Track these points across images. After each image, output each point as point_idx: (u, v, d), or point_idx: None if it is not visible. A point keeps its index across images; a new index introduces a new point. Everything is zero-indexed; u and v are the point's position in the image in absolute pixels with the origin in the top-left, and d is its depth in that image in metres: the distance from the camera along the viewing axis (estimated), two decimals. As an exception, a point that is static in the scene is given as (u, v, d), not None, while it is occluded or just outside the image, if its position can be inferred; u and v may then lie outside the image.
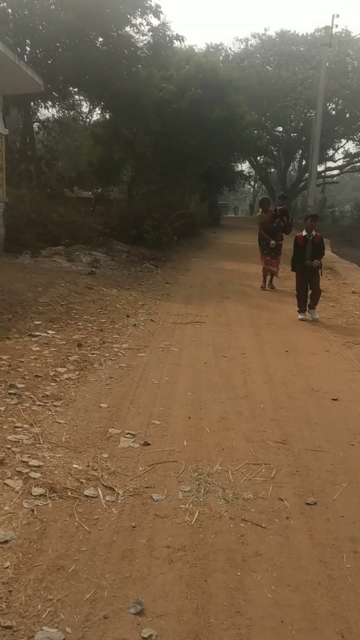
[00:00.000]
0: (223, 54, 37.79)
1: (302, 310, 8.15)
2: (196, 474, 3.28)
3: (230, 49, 39.72)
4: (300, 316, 8.04)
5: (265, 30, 57.86)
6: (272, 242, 10.56)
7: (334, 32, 23.58)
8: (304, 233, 8.07)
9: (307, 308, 8.09)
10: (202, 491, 3.08)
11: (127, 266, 12.31)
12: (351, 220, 38.48)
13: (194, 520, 2.79)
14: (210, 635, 2.06)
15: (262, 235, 10.83)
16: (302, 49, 38.38)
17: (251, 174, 45.25)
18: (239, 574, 2.41)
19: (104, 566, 2.41)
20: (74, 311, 7.25)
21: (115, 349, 5.83)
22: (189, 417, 4.14)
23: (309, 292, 8.12)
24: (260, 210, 11.06)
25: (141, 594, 2.25)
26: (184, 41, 18.01)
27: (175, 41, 17.89)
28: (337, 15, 17.64)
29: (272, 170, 47.96)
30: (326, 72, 18.58)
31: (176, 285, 10.78)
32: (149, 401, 4.43)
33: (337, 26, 23.90)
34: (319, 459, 3.53)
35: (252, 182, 50.14)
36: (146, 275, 11.66)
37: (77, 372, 4.96)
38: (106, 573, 2.37)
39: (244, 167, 42.55)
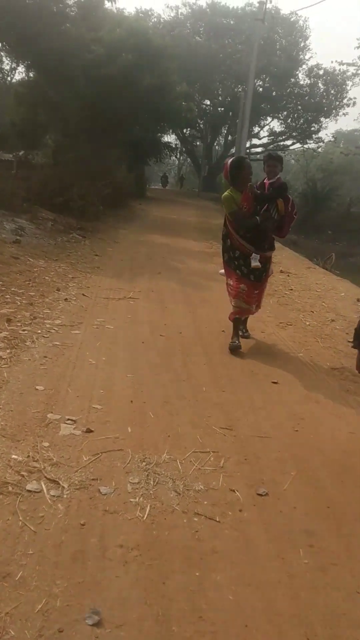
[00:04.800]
0: (153, 20, 36.85)
1: None
2: (144, 463, 3.13)
3: (160, 15, 38.78)
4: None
5: (196, -1, 56.94)
6: (255, 255, 5.33)
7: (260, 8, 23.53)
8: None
9: None
10: (152, 483, 2.94)
11: (53, 235, 11.81)
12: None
13: (145, 515, 2.66)
14: (174, 645, 1.95)
15: (232, 237, 5.46)
16: (232, 22, 38.07)
17: (177, 146, 44.85)
18: (197, 574, 2.30)
19: (54, 571, 2.24)
20: (0, 282, 6.84)
21: (48, 326, 5.54)
22: (131, 401, 3.98)
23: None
24: (231, 184, 5.31)
25: (97, 602, 2.10)
26: (115, 3, 17.36)
27: (106, 2, 17.19)
28: (272, -9, 17.49)
29: (198, 143, 47.77)
30: (257, 48, 18.44)
31: (106, 258, 10.46)
32: (87, 383, 4.22)
33: (271, 2, 23.91)
34: (266, 446, 3.48)
35: (177, 155, 49.77)
36: (74, 245, 11.24)
37: (8, 351, 4.65)
38: (57, 579, 2.19)
39: (170, 138, 42.06)
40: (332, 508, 2.86)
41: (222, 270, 5.99)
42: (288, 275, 10.23)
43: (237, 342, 5.40)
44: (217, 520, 2.68)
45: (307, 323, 6.68)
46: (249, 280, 5.46)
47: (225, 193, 5.37)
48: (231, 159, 5.40)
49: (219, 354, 5.23)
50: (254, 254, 5.33)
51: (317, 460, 3.35)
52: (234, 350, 5.30)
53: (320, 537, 2.61)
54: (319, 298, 8.21)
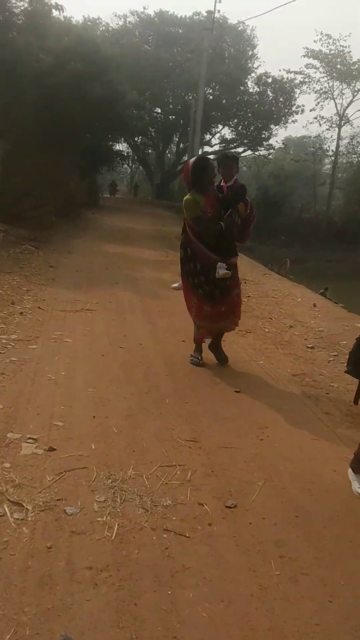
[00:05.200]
0: (101, 29, 36.79)
1: None
2: (109, 480, 3.08)
3: (108, 24, 38.73)
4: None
5: (144, 8, 56.93)
6: (221, 264, 4.89)
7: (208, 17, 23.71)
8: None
9: None
10: (119, 500, 2.89)
11: (4, 247, 11.58)
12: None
13: (114, 534, 2.61)
14: (149, 669, 1.91)
15: (194, 246, 5.00)
16: (180, 31, 38.35)
17: (129, 154, 44.78)
18: (169, 592, 2.27)
19: (22, 598, 2.17)
20: None
21: (4, 341, 5.42)
22: (94, 416, 3.92)
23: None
24: (192, 186, 4.89)
25: (68, 628, 2.04)
26: (63, 11, 17.24)
27: (54, 10, 17.06)
28: (220, 1, 17.68)
29: (150, 151, 47.86)
30: (206, 56, 18.63)
31: (61, 269, 10.33)
32: (47, 400, 4.14)
33: (219, 11, 24.20)
34: (232, 457, 3.47)
35: (129, 163, 49.71)
36: (27, 257, 11.06)
37: (-36, 368, 4.53)
38: (25, 606, 2.13)
39: (122, 147, 41.93)
40: (300, 517, 2.87)
41: (177, 284, 5.57)
42: (245, 282, 10.28)
43: (199, 358, 5.26)
44: (187, 535, 2.65)
45: (267, 330, 6.74)
46: (211, 300, 5.05)
47: (187, 197, 4.90)
48: (194, 159, 5.05)
49: (181, 365, 5.22)
50: (220, 263, 4.90)
51: (283, 469, 3.36)
52: (199, 365, 5.18)
53: (290, 547, 2.61)
54: (277, 304, 8.30)
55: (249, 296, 8.95)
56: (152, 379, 4.78)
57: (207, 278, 5.00)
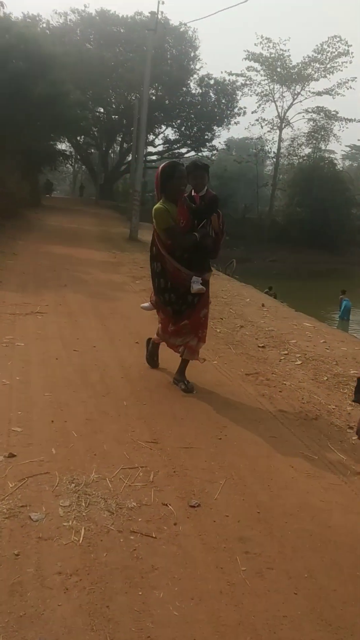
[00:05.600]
0: (42, 26, 36.24)
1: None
2: (73, 485, 3.09)
3: (49, 21, 38.20)
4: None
5: (85, 6, 56.44)
6: (196, 278, 4.56)
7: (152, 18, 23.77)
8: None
9: None
10: (84, 504, 2.90)
11: None
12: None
13: (81, 538, 2.62)
14: (126, 669, 1.94)
15: (165, 260, 4.64)
16: (122, 31, 38.28)
17: (72, 153, 44.29)
18: (140, 593, 2.30)
19: (-7, 607, 2.15)
20: None
21: None
22: (52, 421, 3.90)
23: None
24: (162, 195, 4.56)
25: (42, 634, 2.05)
26: (4, 7, 16.93)
27: (-6, 7, 16.73)
28: (163, 2, 17.75)
29: (93, 151, 47.50)
30: (150, 57, 18.64)
31: (6, 271, 10.15)
32: (4, 405, 4.09)
33: (162, 12, 24.27)
34: (192, 457, 3.53)
35: (72, 162, 49.19)
36: (-29, 259, 10.83)
37: None
38: (-3, 615, 2.12)
39: (64, 146, 41.40)
40: (262, 513, 2.95)
41: (147, 304, 5.28)
42: (193, 283, 10.41)
43: (155, 359, 5.24)
44: (154, 536, 2.69)
45: (218, 330, 6.85)
46: (179, 319, 4.75)
47: (158, 205, 4.52)
48: (163, 164, 4.64)
49: (136, 367, 5.24)
50: (194, 277, 4.55)
51: (243, 466, 3.45)
52: (151, 366, 5.21)
53: (254, 543, 2.69)
54: (226, 305, 8.44)
55: (198, 297, 9.06)
56: (109, 382, 4.79)
57: (177, 295, 4.65)
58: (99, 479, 3.18)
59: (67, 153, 40.65)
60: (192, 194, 4.71)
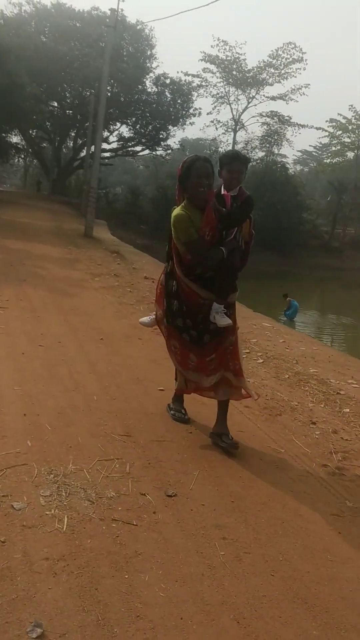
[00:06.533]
0: (-5, 16, 35.56)
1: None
2: (52, 476, 3.16)
3: (2, 11, 37.47)
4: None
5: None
6: (218, 306, 3.63)
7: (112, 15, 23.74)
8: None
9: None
10: (64, 494, 2.98)
11: None
12: (124, 203, 39.39)
13: (64, 526, 2.70)
14: (120, 645, 2.05)
15: (181, 281, 3.73)
16: (78, 25, 37.90)
17: (24, 146, 43.57)
18: (126, 576, 2.41)
19: (-15, 591, 2.22)
20: None
21: None
22: (24, 414, 3.93)
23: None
24: (184, 197, 3.59)
25: (35, 615, 2.13)
26: None
27: None
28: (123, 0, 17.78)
29: (45, 145, 46.84)
30: (109, 54, 18.60)
31: None
32: (-25, 398, 4.10)
33: (122, 10, 24.26)
34: (165, 450, 3.65)
35: (24, 156, 48.42)
36: None
37: None
38: (-10, 598, 2.18)
39: (17, 139, 40.67)
40: (236, 502, 3.10)
41: (147, 319, 4.36)
42: (153, 282, 10.50)
43: (183, 412, 4.19)
44: (135, 524, 2.80)
45: (180, 328, 6.98)
46: (199, 347, 3.79)
47: (178, 211, 3.55)
48: (189, 157, 3.63)
49: (103, 363, 5.32)
50: (215, 305, 3.61)
51: (214, 459, 3.59)
52: (184, 422, 4.11)
53: (231, 530, 2.84)
54: (186, 303, 8.58)
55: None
56: (77, 377, 4.84)
57: (194, 321, 3.73)
58: (77, 470, 3.26)
59: (20, 146, 40.03)
60: (222, 192, 3.69)
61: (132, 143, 43.48)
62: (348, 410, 4.74)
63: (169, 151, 43.26)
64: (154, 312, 4.23)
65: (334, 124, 47.56)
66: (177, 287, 3.76)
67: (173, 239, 3.67)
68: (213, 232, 3.56)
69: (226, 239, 3.62)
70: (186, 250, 3.59)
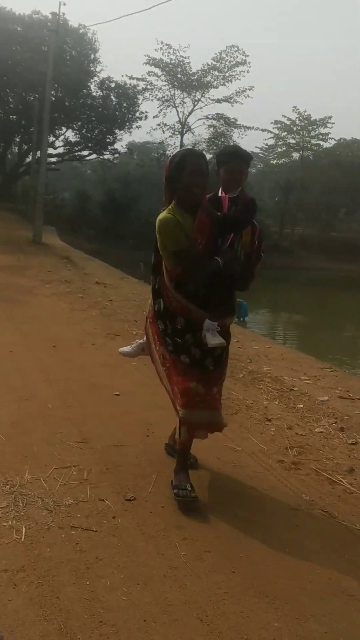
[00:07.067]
0: None
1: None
2: (7, 486, 3.11)
3: None
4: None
5: (-23, 1, 54.59)
6: (210, 323, 3.03)
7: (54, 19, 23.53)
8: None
9: None
10: (21, 504, 2.95)
11: None
12: (73, 208, 39.00)
13: (23, 537, 2.67)
14: (83, 652, 2.04)
15: (169, 295, 3.13)
16: (19, 29, 37.34)
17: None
18: (87, 583, 2.40)
19: None
20: None
21: None
22: (-22, 425, 3.87)
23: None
24: (171, 198, 3.09)
25: (-4, 628, 2.09)
26: None
27: None
28: (64, 3, 17.62)
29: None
30: (52, 58, 18.43)
31: None
32: None
33: (64, 14, 24.01)
34: (123, 454, 3.65)
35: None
36: None
37: None
38: None
39: None
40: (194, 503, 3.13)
41: (127, 348, 3.82)
42: (105, 287, 10.48)
43: (188, 488, 3.11)
44: (94, 530, 2.79)
45: (134, 332, 6.96)
46: (203, 371, 3.12)
47: (164, 214, 3.04)
48: (179, 151, 3.35)
49: (56, 370, 5.27)
50: (207, 322, 3.04)
51: (171, 461, 3.58)
52: (190, 502, 3.06)
53: (191, 530, 2.85)
54: (139, 307, 8.57)
55: (110, 300, 9.15)
56: (31, 385, 4.79)
57: (195, 337, 3.09)
58: (33, 479, 3.22)
59: None
60: (219, 194, 3.25)
61: (79, 147, 43.02)
62: (302, 406, 4.83)
63: (116, 155, 43.04)
64: (138, 340, 3.76)
65: (279, 125, 48.44)
66: (164, 306, 3.16)
67: (159, 249, 3.11)
68: (206, 240, 3.03)
69: (222, 247, 3.09)
70: (175, 262, 3.03)
